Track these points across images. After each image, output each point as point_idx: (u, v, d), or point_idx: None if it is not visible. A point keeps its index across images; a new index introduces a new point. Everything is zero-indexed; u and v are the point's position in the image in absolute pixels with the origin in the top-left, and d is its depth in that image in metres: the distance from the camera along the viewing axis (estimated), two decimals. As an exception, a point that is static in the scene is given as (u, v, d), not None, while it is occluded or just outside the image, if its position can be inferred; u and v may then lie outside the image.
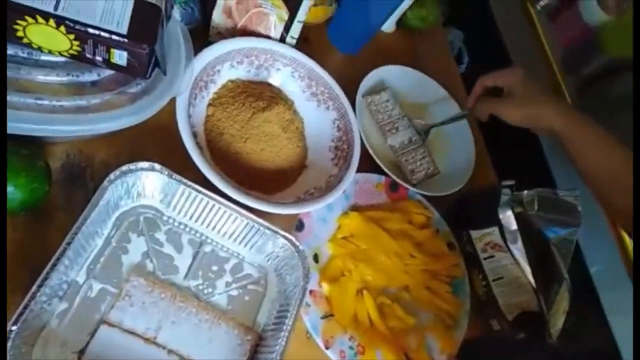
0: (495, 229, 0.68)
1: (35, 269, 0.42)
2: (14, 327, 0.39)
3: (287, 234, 0.54)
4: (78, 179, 0.51)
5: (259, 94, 0.62)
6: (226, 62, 0.61)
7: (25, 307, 0.40)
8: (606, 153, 0.61)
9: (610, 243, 0.88)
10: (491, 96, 0.68)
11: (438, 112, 0.81)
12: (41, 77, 0.44)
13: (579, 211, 0.69)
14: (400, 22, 0.87)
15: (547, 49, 1.07)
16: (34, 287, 0.40)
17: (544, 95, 0.63)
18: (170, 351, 0.48)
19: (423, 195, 0.71)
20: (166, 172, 0.50)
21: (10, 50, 0.44)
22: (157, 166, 0.50)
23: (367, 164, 0.68)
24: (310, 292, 0.57)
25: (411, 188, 0.70)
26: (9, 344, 0.38)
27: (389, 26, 0.86)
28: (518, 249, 0.66)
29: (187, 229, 0.54)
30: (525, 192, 0.68)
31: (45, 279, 0.41)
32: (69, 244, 0.43)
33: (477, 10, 1.19)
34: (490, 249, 0.69)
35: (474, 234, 0.69)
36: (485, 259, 0.69)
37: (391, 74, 0.79)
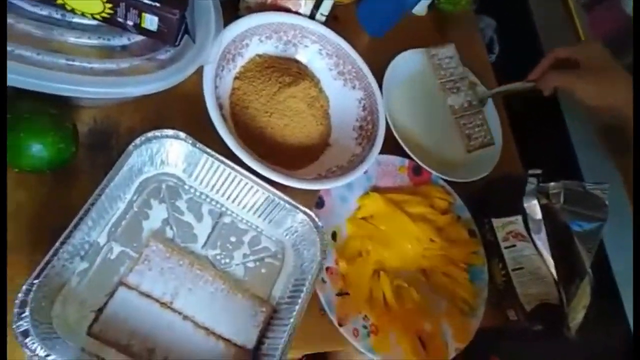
0: (519, 218, 0.67)
1: (57, 227, 0.42)
2: (35, 281, 0.40)
3: (306, 210, 0.54)
4: (104, 144, 0.52)
5: (286, 70, 0.62)
6: (255, 36, 0.61)
7: (47, 263, 0.40)
8: None
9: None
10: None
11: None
12: (73, 39, 0.44)
13: (606, 205, 0.67)
14: (431, 5, 0.86)
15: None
16: (57, 244, 0.41)
17: (623, 72, 0.60)
18: (185, 317, 0.48)
19: (446, 181, 0.70)
20: (190, 141, 0.51)
21: (44, 11, 0.44)
22: (181, 134, 0.50)
23: (392, 146, 0.67)
24: (327, 269, 0.57)
25: (434, 173, 0.68)
26: (30, 296, 0.39)
27: (420, 9, 0.84)
28: (541, 240, 0.65)
29: (208, 199, 0.55)
30: (552, 184, 0.66)
31: (68, 237, 0.42)
32: (92, 204, 0.44)
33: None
34: (512, 238, 0.67)
35: (496, 222, 0.68)
36: (506, 247, 0.68)
37: (420, 56, 0.77)
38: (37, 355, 0.38)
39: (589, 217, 0.68)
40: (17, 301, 0.39)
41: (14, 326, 0.38)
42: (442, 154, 0.75)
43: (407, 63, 0.76)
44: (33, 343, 0.38)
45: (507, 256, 0.68)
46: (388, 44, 0.77)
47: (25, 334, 0.38)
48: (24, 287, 0.39)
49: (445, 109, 0.77)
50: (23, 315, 0.38)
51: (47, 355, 0.39)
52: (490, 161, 0.75)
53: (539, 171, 0.67)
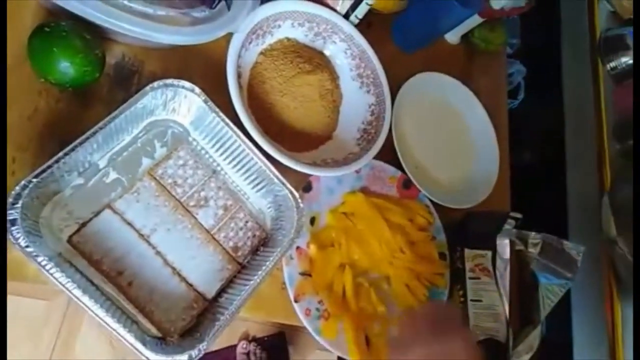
0: (489, 253, 0.69)
1: (65, 140, 0.47)
2: (34, 180, 0.44)
3: (292, 189, 0.57)
4: (125, 79, 0.56)
5: (309, 58, 0.65)
6: (288, 20, 0.65)
7: (48, 167, 0.45)
8: None
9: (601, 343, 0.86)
10: None
11: (475, 134, 0.83)
12: (122, -22, 0.48)
13: (577, 266, 0.70)
14: (465, 37, 0.89)
15: (602, 110, 1.06)
16: (61, 153, 0.45)
17: None
18: (157, 252, 0.52)
19: (432, 201, 0.73)
20: (203, 98, 0.54)
21: (104, -53, 0.48)
22: (197, 89, 0.54)
23: (390, 156, 0.70)
24: (297, 248, 0.61)
25: (423, 191, 0.71)
26: (25, 192, 0.43)
27: (453, 37, 0.88)
28: (503, 279, 0.68)
29: (207, 155, 0.59)
30: (533, 233, 0.70)
31: (73, 150, 0.46)
32: (101, 128, 0.48)
33: (547, 53, 1.19)
34: (478, 271, 0.70)
35: (468, 252, 0.71)
36: (470, 278, 0.71)
37: (442, 81, 0.81)
38: (18, 244, 0.42)
39: (558, 273, 0.71)
40: (12, 192, 0.43)
41: (5, 213, 0.42)
42: (437, 176, 0.78)
43: (426, 83, 0.79)
44: (18, 232, 0.42)
45: (469, 286, 0.70)
46: (412, 61, 0.80)
47: (13, 222, 0.43)
48: (22, 182, 0.44)
49: (452, 136, 0.80)
50: (15, 205, 0.43)
51: (27, 247, 0.43)
52: (480, 194, 0.78)
53: (519, 215, 0.70)
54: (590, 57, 1.07)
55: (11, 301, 1.16)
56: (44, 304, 1.20)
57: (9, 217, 0.42)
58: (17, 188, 0.43)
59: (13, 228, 0.42)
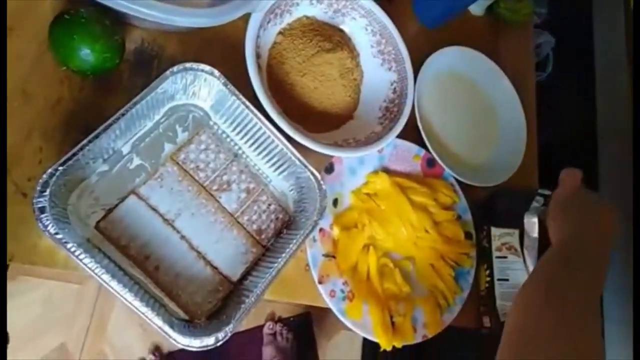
0: (516, 232, 0.68)
1: (88, 127, 0.47)
2: (60, 168, 0.44)
3: (314, 170, 0.57)
4: (145, 64, 0.56)
5: (329, 36, 0.64)
6: (307, -3, 0.63)
7: (73, 154, 0.45)
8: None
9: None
10: None
11: (501, 109, 0.81)
12: (138, -40, 0.48)
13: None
14: (490, 9, 0.86)
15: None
16: (85, 141, 0.46)
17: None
18: (182, 237, 0.53)
19: (457, 180, 0.71)
20: (222, 80, 0.54)
21: None
22: (216, 72, 0.54)
23: (413, 134, 0.69)
24: (320, 230, 0.61)
25: (447, 169, 0.70)
26: (53, 180, 0.44)
27: (478, 9, 0.85)
28: (531, 257, 0.67)
29: (228, 139, 0.58)
30: None
31: (97, 137, 0.47)
32: (123, 115, 0.48)
33: (577, 21, 1.14)
34: (505, 250, 0.69)
35: (495, 230, 0.70)
36: (497, 257, 0.69)
37: (466, 55, 0.78)
38: (48, 231, 0.43)
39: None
40: (40, 181, 0.44)
41: (34, 201, 0.43)
42: (462, 154, 0.76)
43: (450, 58, 0.76)
44: (47, 219, 0.43)
45: (496, 265, 0.69)
46: (436, 36, 0.78)
47: (42, 210, 0.43)
48: (49, 171, 0.44)
49: (477, 112, 0.78)
50: (44, 193, 0.44)
51: (56, 234, 0.44)
52: (507, 171, 0.76)
53: (548, 192, 0.68)
54: (624, 25, 1.02)
55: (44, 286, 1.21)
56: (77, 288, 1.23)
57: (38, 205, 0.43)
58: (45, 176, 0.44)
59: (42, 215, 0.43)
